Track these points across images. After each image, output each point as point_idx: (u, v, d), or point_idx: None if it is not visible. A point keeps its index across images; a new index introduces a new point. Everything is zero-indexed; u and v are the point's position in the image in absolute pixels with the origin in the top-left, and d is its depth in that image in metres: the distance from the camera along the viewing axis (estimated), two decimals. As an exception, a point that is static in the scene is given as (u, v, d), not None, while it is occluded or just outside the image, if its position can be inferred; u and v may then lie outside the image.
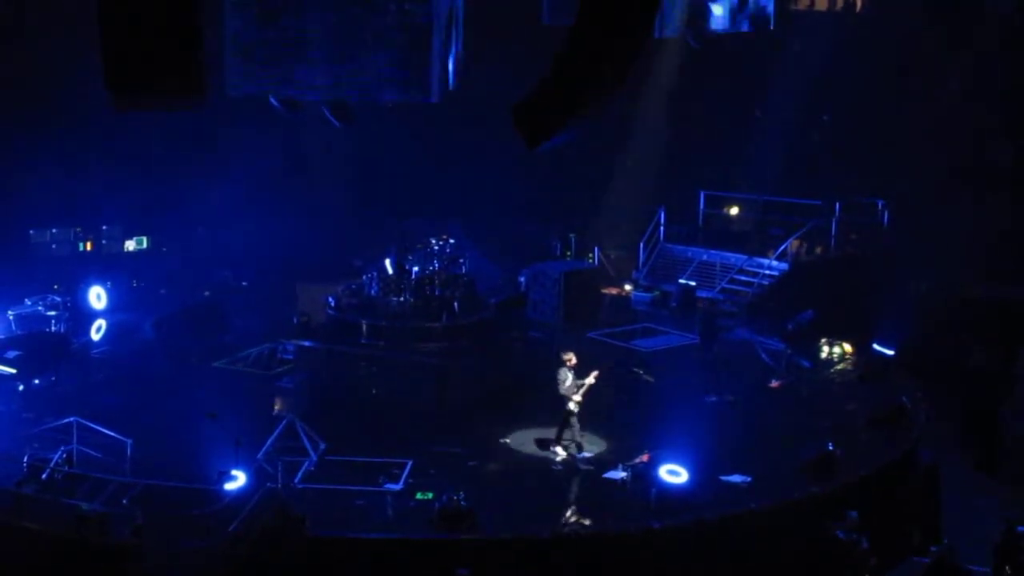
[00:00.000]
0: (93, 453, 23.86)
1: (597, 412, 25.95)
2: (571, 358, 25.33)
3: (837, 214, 40.73)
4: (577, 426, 25.05)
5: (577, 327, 35.20)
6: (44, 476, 22.43)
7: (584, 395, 25.00)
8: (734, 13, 35.60)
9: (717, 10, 35.29)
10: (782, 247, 39.85)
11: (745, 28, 36.40)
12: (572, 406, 24.94)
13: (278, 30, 22.36)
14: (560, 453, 25.05)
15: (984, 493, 28.86)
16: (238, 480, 21.72)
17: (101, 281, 36.01)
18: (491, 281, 34.12)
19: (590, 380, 25.06)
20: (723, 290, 39.39)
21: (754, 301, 38.48)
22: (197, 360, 31.53)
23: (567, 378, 25.04)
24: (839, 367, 32.57)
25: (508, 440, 26.27)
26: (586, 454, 25.02)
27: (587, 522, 22.29)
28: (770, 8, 36.23)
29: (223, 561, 19.20)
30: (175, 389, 28.90)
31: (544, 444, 25.55)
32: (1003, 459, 30.73)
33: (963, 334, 35.13)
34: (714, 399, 28.93)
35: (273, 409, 26.87)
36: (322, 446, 24.56)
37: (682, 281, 39.67)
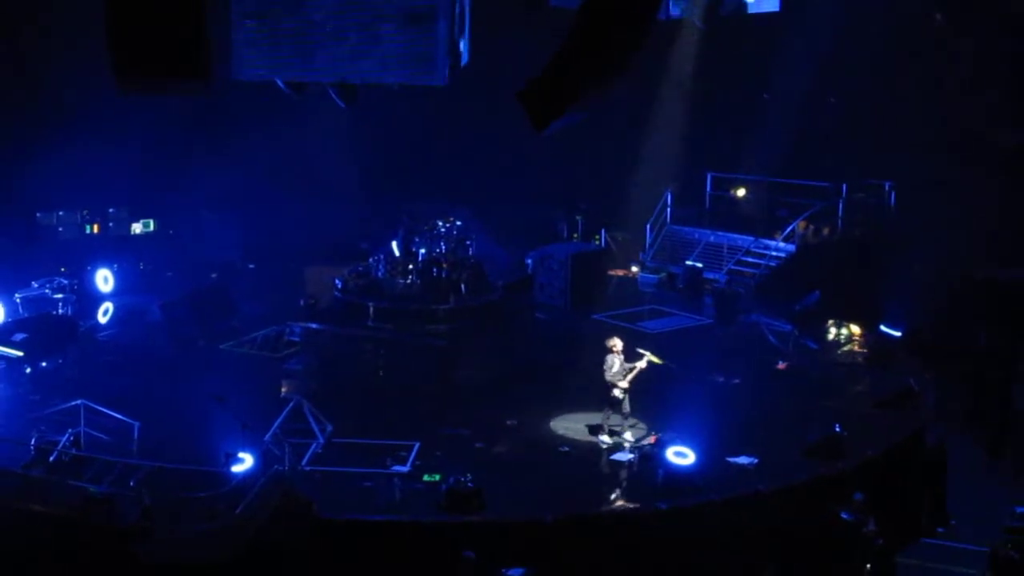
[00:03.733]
0: (100, 435, 23.95)
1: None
2: (616, 344, 25.27)
3: (844, 196, 40.69)
4: (622, 412, 25.07)
5: (584, 309, 35.29)
6: (51, 458, 22.49)
7: (632, 381, 24.98)
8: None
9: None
10: (789, 228, 39.85)
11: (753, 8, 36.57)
12: (617, 392, 24.88)
13: (285, 12, 22.35)
14: (607, 440, 25.00)
15: (991, 475, 28.85)
16: (245, 462, 21.73)
17: (108, 264, 36.08)
18: (498, 263, 34.12)
19: (642, 364, 24.99)
20: (730, 271, 39.38)
21: (761, 283, 38.49)
22: (204, 343, 31.58)
23: (614, 364, 24.94)
24: (846, 349, 32.56)
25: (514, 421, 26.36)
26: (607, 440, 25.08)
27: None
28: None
29: (230, 543, 19.23)
30: (182, 372, 28.96)
31: (594, 430, 25.51)
32: (1012, 441, 30.67)
33: (970, 316, 35.07)
34: (721, 379, 28.98)
35: (280, 391, 26.94)
36: (329, 428, 24.59)
37: (689, 263, 39.69)
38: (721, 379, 29.19)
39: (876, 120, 40.73)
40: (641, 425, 25.62)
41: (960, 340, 34.10)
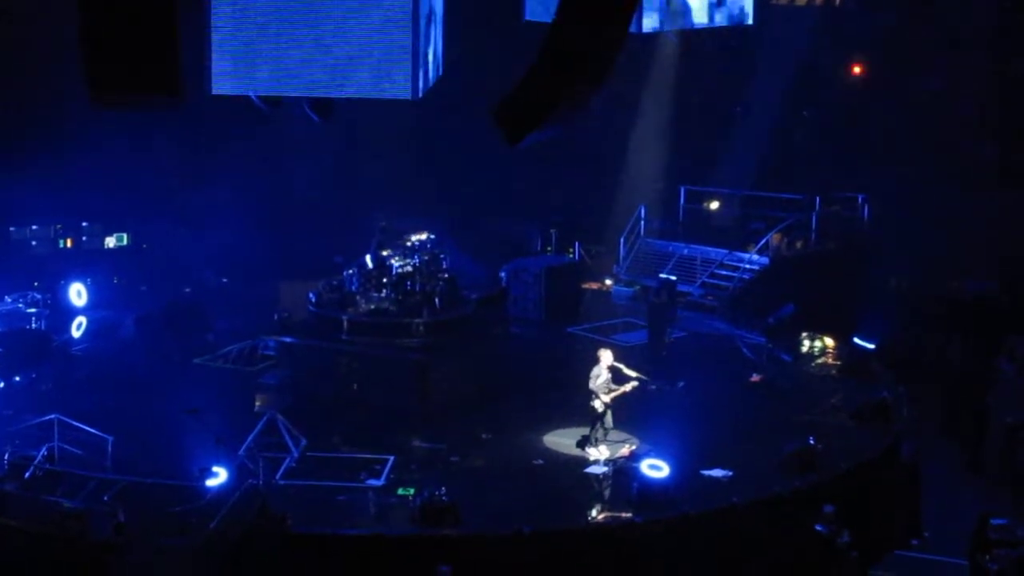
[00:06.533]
0: (74, 450, 23.83)
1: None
2: (606, 355, 25.21)
3: (818, 209, 40.78)
4: (604, 425, 24.96)
5: (558, 322, 35.30)
6: (25, 474, 22.42)
7: (614, 399, 24.89)
8: (711, 8, 35.86)
9: (694, 2, 35.53)
10: (763, 241, 39.87)
11: (723, 23, 36.66)
12: (597, 404, 24.78)
13: (260, 29, 22.38)
14: (593, 453, 24.96)
15: (965, 486, 28.95)
16: (219, 477, 21.65)
17: (81, 278, 35.88)
18: (472, 277, 34.05)
19: (627, 388, 24.92)
20: (704, 284, 39.40)
21: (735, 295, 38.50)
22: (178, 357, 31.45)
23: (600, 374, 24.86)
24: (820, 361, 32.61)
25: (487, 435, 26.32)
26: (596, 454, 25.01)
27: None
28: (746, 3, 36.50)
29: (204, 558, 19.17)
30: (156, 386, 28.83)
31: (582, 443, 25.38)
32: (988, 453, 30.72)
33: (943, 329, 35.21)
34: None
35: (254, 405, 26.87)
36: (303, 442, 24.55)
37: (662, 275, 39.67)
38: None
39: (850, 133, 40.92)
40: (632, 439, 25.54)
41: (934, 352, 34.23)
